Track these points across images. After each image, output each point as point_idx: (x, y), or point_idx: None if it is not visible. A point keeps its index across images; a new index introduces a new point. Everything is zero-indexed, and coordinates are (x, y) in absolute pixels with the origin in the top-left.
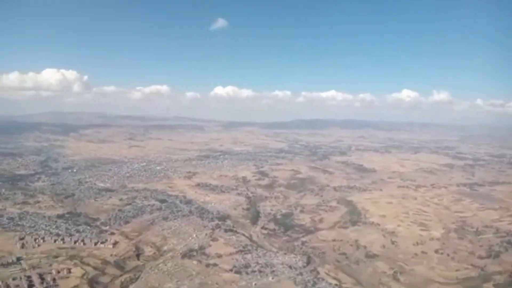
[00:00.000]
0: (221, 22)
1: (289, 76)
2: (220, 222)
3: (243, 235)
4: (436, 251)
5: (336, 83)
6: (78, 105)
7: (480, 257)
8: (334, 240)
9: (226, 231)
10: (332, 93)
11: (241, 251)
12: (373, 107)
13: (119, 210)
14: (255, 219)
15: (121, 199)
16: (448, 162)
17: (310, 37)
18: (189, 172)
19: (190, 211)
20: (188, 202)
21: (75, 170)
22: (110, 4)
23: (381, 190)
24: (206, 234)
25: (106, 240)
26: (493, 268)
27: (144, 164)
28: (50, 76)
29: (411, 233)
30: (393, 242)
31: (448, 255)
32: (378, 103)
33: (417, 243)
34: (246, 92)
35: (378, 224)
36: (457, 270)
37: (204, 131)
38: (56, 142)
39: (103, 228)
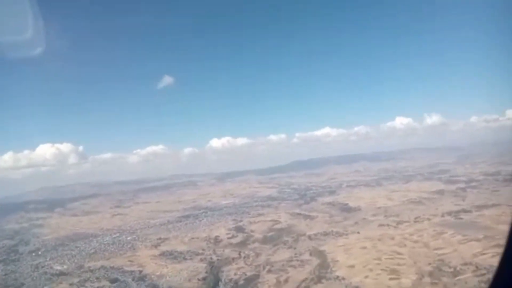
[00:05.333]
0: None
1: (282, 119)
2: None
3: None
4: None
5: (329, 120)
6: (76, 176)
7: None
8: None
9: None
10: (326, 130)
11: None
12: (369, 138)
13: None
14: None
15: (71, 284)
16: (439, 188)
17: (300, 77)
18: (159, 238)
19: None
20: (141, 278)
21: (39, 253)
22: (90, 72)
23: (358, 233)
24: None
25: None
26: None
27: (117, 235)
28: (45, 151)
29: (378, 285)
30: None
31: None
32: (374, 134)
33: None
34: (241, 141)
35: (344, 278)
36: None
37: (196, 186)
38: (38, 221)
39: None
